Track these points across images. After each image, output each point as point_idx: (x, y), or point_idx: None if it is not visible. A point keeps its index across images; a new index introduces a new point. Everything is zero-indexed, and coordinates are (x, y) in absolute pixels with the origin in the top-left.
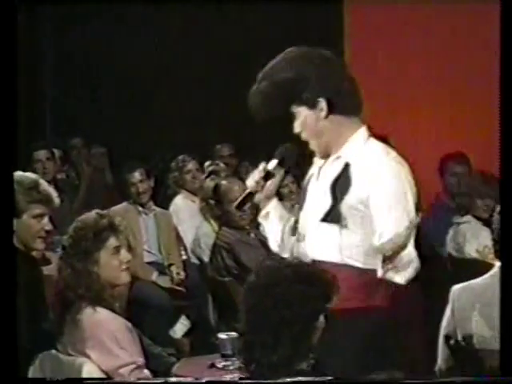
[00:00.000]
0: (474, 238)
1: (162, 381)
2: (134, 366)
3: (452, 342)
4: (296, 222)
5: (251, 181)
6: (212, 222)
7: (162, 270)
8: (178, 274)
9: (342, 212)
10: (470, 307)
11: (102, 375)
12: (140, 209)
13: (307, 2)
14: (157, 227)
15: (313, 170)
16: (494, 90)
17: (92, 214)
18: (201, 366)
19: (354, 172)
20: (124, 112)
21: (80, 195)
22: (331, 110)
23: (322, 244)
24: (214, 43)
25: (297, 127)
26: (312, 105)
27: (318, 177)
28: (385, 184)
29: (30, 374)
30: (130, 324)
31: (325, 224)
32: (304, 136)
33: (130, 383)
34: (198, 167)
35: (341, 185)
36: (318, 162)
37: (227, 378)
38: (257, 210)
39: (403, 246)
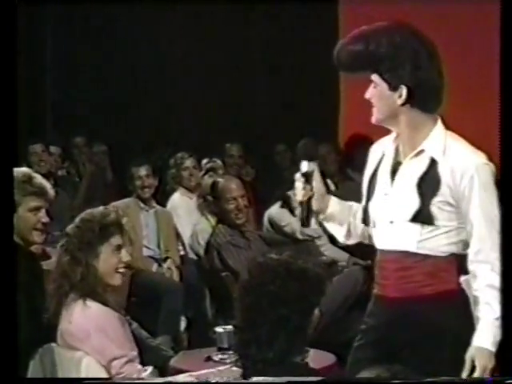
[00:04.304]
0: None
1: (163, 381)
2: (125, 359)
3: None
4: (365, 211)
5: (299, 194)
6: (209, 217)
7: (160, 263)
8: (169, 268)
9: (432, 213)
10: None
11: (101, 368)
12: (142, 205)
13: (304, 1)
14: (157, 224)
15: (376, 158)
16: (493, 89)
17: (99, 209)
18: (198, 359)
19: (442, 169)
20: (127, 111)
21: (81, 192)
22: (409, 100)
23: (400, 238)
24: (219, 43)
25: (368, 94)
26: (393, 87)
27: (393, 169)
28: (482, 184)
29: (31, 368)
30: (121, 317)
31: (413, 224)
32: (374, 102)
33: (131, 383)
34: (196, 164)
35: (429, 183)
36: (377, 149)
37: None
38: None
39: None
